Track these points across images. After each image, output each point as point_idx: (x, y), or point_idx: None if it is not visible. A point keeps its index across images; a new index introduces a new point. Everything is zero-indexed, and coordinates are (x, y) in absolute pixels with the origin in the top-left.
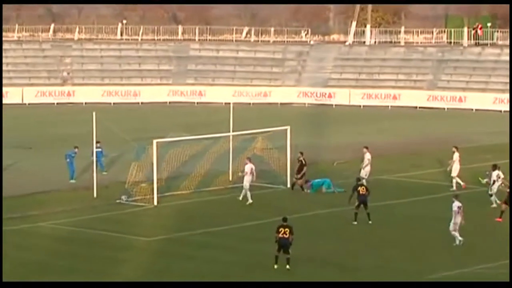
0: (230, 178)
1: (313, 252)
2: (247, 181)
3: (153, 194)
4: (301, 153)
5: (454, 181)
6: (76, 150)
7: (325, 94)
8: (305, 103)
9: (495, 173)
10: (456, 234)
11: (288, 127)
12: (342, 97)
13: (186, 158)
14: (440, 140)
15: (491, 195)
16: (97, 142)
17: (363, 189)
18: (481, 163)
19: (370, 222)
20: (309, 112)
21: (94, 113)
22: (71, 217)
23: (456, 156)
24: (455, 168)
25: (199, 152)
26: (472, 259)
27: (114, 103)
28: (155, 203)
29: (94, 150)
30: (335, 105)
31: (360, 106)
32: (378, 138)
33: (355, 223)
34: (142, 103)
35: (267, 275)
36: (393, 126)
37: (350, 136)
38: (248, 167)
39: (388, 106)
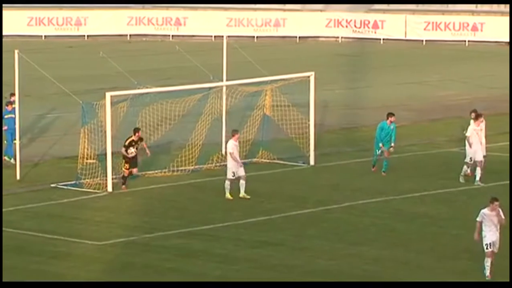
0: (223, 152)
1: None
2: (231, 168)
3: (106, 175)
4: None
5: None
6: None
7: (369, 22)
8: (338, 37)
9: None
10: None
11: (312, 74)
12: (394, 27)
13: (157, 121)
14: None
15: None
16: (11, 95)
17: None
18: None
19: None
20: (343, 51)
21: (16, 52)
22: None
23: None
24: None
25: (177, 112)
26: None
27: (46, 36)
28: (110, 189)
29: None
30: (383, 39)
31: (422, 41)
32: (444, 91)
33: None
34: (88, 36)
35: None
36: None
37: (406, 86)
38: (232, 144)
39: (465, 42)
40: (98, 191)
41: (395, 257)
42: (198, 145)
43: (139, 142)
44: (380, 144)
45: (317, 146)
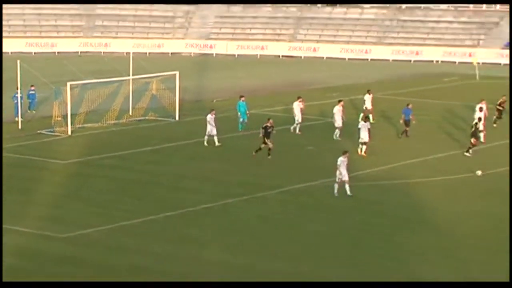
0: (130, 113)
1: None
2: (209, 131)
3: (67, 126)
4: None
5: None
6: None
7: (207, 45)
8: (191, 53)
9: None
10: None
11: (177, 72)
12: (221, 48)
13: (97, 98)
14: (299, 82)
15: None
16: (31, 86)
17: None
18: (329, 100)
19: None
20: (194, 60)
21: (18, 62)
22: None
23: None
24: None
25: (107, 93)
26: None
27: (35, 53)
28: (69, 133)
29: (26, 92)
30: (216, 54)
31: (235, 55)
32: (250, 81)
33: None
34: (58, 52)
35: (158, 191)
36: (262, 71)
37: (227, 79)
38: (210, 117)
39: (257, 55)
40: (63, 134)
41: None
42: (117, 109)
43: None
44: (239, 117)
45: (180, 110)
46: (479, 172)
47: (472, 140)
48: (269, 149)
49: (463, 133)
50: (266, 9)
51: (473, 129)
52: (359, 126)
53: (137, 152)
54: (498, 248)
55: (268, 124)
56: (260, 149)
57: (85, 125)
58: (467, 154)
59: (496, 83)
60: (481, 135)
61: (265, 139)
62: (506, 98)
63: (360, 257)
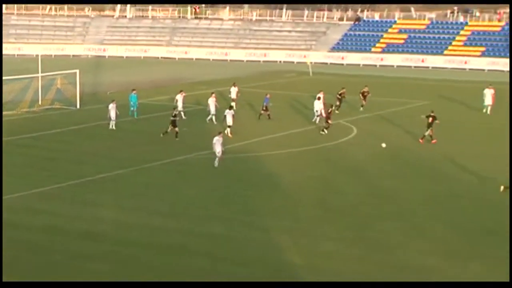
0: (40, 103)
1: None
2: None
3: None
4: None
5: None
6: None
7: (101, 49)
8: (88, 55)
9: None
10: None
11: (77, 70)
12: (112, 51)
13: (12, 91)
14: (175, 78)
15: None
16: None
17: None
18: (199, 91)
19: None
20: (91, 61)
21: None
22: None
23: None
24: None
25: (21, 87)
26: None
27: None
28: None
29: None
30: (108, 56)
31: (123, 56)
32: (136, 78)
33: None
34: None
35: (64, 165)
36: (145, 70)
37: (118, 76)
38: (111, 105)
39: (141, 57)
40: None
41: None
42: (29, 100)
43: None
44: (131, 106)
45: (81, 100)
46: (383, 145)
47: (328, 121)
48: (176, 132)
49: (304, 116)
50: (147, 21)
51: (330, 110)
52: (225, 113)
53: (47, 134)
54: (328, 207)
55: (176, 112)
56: (166, 132)
57: (6, 112)
58: (322, 132)
59: (324, 78)
60: (318, 119)
61: (172, 125)
62: (345, 90)
63: (226, 214)
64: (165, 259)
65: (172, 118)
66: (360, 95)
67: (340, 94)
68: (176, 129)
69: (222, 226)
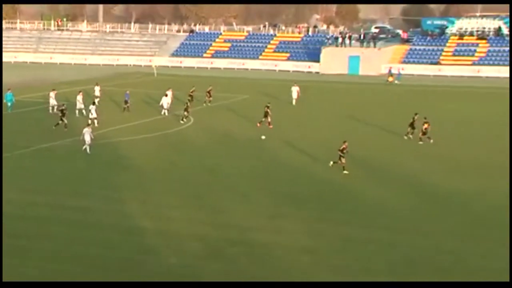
0: None
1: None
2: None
3: None
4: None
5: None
6: None
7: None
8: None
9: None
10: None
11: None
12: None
13: None
14: (43, 79)
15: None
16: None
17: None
18: (66, 89)
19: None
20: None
21: None
22: None
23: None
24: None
25: None
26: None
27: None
28: None
29: None
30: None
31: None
32: (10, 79)
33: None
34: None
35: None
36: (17, 73)
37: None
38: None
39: (11, 62)
40: None
41: None
42: None
43: None
44: (7, 102)
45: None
46: (263, 137)
47: (186, 113)
48: (65, 124)
49: (154, 108)
50: (16, 32)
51: (187, 104)
52: (90, 108)
53: None
54: (172, 179)
55: (64, 107)
56: (58, 124)
57: None
58: (182, 122)
59: (166, 78)
60: (166, 112)
61: (62, 117)
62: (196, 89)
63: (88, 189)
64: (34, 228)
65: (60, 113)
66: (207, 93)
67: (192, 92)
68: (65, 120)
69: (85, 200)
